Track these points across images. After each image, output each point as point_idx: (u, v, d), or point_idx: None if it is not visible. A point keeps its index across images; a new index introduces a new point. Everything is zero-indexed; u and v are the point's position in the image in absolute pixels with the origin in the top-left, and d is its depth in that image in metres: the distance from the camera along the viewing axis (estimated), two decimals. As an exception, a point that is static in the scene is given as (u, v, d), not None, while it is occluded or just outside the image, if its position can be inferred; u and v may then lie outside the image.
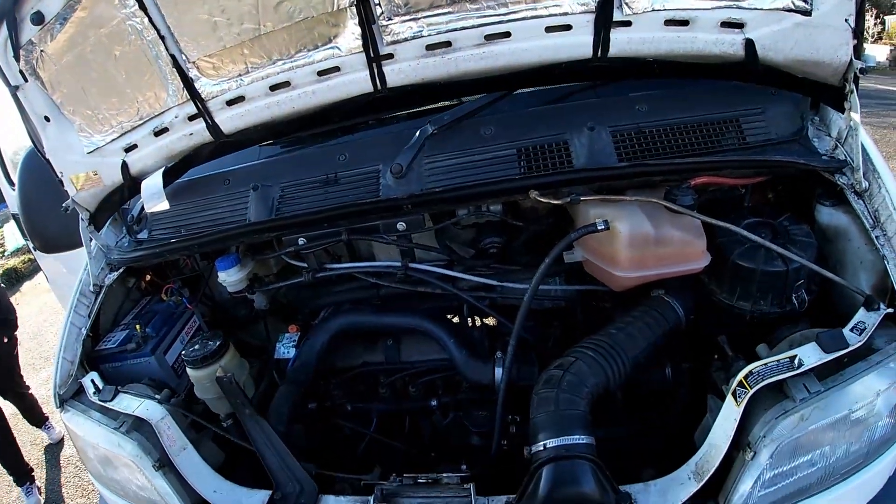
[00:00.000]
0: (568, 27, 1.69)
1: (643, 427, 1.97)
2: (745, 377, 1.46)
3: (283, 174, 2.11)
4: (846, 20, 1.62)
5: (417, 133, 1.93)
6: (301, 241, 2.01)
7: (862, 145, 1.75)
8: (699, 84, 1.98)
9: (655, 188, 1.81)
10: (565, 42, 1.70)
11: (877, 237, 1.65)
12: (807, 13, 1.62)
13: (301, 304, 2.40)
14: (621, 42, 1.69)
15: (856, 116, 1.72)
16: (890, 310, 1.56)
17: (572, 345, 1.80)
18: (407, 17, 1.71)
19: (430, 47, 1.75)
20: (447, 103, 2.11)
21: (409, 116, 2.30)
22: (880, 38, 27.84)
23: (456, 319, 2.34)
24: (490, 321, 2.36)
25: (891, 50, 25.23)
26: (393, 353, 2.19)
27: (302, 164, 2.12)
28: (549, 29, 1.70)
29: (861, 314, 1.55)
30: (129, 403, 1.84)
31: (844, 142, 1.81)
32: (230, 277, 2.12)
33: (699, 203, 1.82)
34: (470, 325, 2.27)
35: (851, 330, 1.51)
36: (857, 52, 1.66)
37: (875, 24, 28.94)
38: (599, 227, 1.68)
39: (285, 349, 2.23)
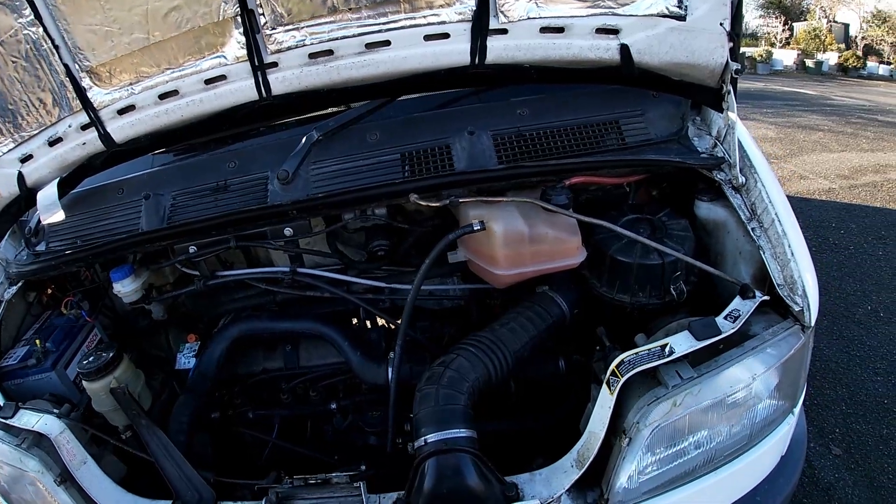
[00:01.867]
0: (446, 35, 1.65)
1: (535, 419, 1.92)
2: (618, 366, 1.42)
3: (174, 182, 2.01)
4: (721, 24, 1.60)
5: (304, 139, 1.87)
6: (192, 249, 1.92)
7: (739, 142, 1.74)
8: (582, 88, 1.95)
9: (534, 189, 1.78)
10: (443, 50, 1.66)
11: (753, 229, 1.65)
12: (681, 18, 1.60)
13: (201, 313, 2.29)
14: (498, 49, 1.65)
15: (733, 116, 1.71)
16: (766, 297, 1.55)
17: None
18: (290, 27, 1.64)
19: (312, 56, 1.69)
20: (335, 109, 2.05)
21: (298, 123, 2.23)
22: (788, 44, 28.82)
23: (356, 321, 2.26)
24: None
25: (798, 54, 26.11)
26: (292, 359, 2.10)
27: (193, 172, 2.03)
28: (427, 37, 1.65)
29: (736, 302, 1.52)
30: (29, 419, 1.70)
31: (723, 140, 1.80)
32: (124, 288, 1.99)
33: (581, 202, 1.80)
34: (369, 326, 2.19)
35: (726, 318, 1.48)
36: (734, 54, 1.64)
37: (784, 30, 29.98)
38: (475, 228, 1.65)
39: (186, 359, 2.12)
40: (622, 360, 1.42)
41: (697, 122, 1.94)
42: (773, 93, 16.53)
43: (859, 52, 27.29)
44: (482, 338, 1.65)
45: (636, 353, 1.42)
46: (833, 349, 3.98)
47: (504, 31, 1.62)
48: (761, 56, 24.54)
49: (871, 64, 26.76)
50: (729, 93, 1.69)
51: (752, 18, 34.35)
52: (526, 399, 1.98)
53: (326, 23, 1.66)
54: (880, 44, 29.11)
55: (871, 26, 29.63)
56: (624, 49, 1.64)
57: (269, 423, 2.11)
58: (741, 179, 1.70)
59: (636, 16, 1.62)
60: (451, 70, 1.68)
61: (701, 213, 1.83)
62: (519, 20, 1.60)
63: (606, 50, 1.65)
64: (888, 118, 12.84)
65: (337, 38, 1.67)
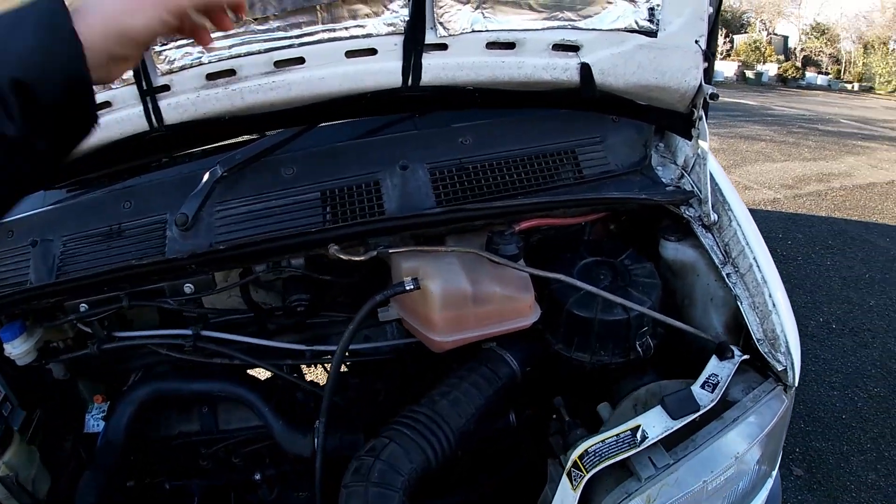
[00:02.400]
0: (372, 51, 1.35)
1: (483, 495, 1.65)
2: (581, 457, 1.15)
3: (66, 224, 1.67)
4: (696, 41, 1.36)
5: (206, 176, 1.53)
6: (83, 307, 1.58)
7: (711, 175, 1.50)
8: (533, 111, 1.68)
9: (480, 233, 1.49)
10: (369, 69, 1.36)
11: (728, 274, 1.41)
12: (652, 34, 1.36)
13: (109, 369, 1.93)
14: (435, 68, 1.36)
15: (704, 144, 1.47)
16: (745, 356, 1.32)
17: (405, 397, 1.51)
18: (183, 42, 1.32)
19: (210, 76, 1.36)
20: (248, 138, 1.73)
21: (205, 153, 1.88)
22: (728, 55, 29.47)
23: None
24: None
25: (738, 66, 26.73)
26: (209, 422, 1.77)
27: (85, 213, 1.68)
28: (350, 53, 1.35)
29: (713, 365, 1.28)
30: None
31: (691, 171, 1.57)
32: (15, 350, 1.63)
33: (532, 243, 1.54)
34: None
35: (703, 386, 1.24)
36: (707, 76, 1.40)
37: (725, 42, 30.66)
38: (408, 287, 1.33)
39: (94, 421, 1.77)
40: (586, 450, 1.16)
41: (661, 150, 1.71)
42: (715, 104, 16.56)
43: (798, 64, 28.21)
44: (419, 415, 1.35)
45: (602, 441, 1.16)
46: (788, 366, 3.85)
47: (443, 47, 1.34)
48: (703, 68, 24.92)
49: (810, 74, 27.67)
50: (700, 119, 1.46)
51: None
52: (475, 460, 1.70)
53: (227, 36, 1.33)
54: (819, 55, 30.13)
55: (809, 38, 30.69)
56: (584, 69, 1.39)
57: (188, 493, 1.80)
58: (713, 217, 1.47)
59: (600, 30, 1.37)
60: (378, 93, 1.38)
61: (667, 255, 1.59)
62: (461, 34, 1.32)
63: (564, 70, 1.38)
64: (828, 127, 13.14)
65: (241, 55, 1.35)
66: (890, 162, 9.84)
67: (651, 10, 1.34)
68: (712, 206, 1.48)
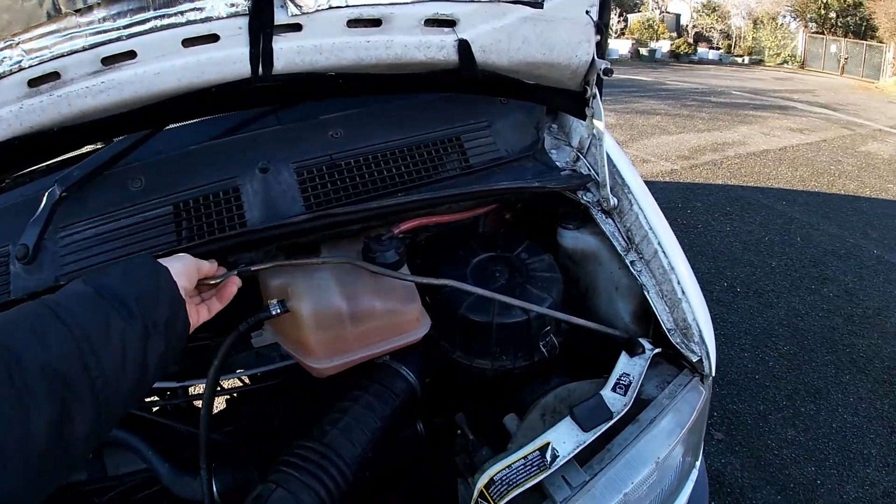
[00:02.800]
0: (214, 38, 1.10)
1: None
2: (488, 486, 1.01)
3: None
4: (587, 12, 1.22)
5: (45, 198, 1.28)
6: None
7: (608, 156, 1.38)
8: (412, 97, 1.52)
9: (358, 238, 1.30)
10: (211, 58, 1.11)
11: (632, 262, 1.29)
12: (537, 5, 1.19)
13: None
14: (289, 53, 1.13)
15: (599, 124, 1.34)
16: (657, 350, 1.21)
17: (303, 420, 1.32)
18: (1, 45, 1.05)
19: (33, 83, 1.09)
20: (93, 148, 1.48)
21: (50, 170, 1.59)
22: (623, 34, 30.28)
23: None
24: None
25: (632, 44, 27.48)
26: (96, 468, 1.51)
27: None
28: (187, 42, 1.10)
29: (623, 363, 1.17)
30: None
31: (587, 153, 1.45)
32: None
33: (419, 242, 1.38)
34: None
35: (614, 388, 1.12)
36: (601, 50, 1.26)
37: (619, 21, 31.48)
38: (273, 312, 1.13)
39: None
40: (492, 477, 1.01)
41: (554, 131, 1.58)
42: (611, 80, 16.91)
43: (690, 40, 29.26)
44: (308, 451, 1.15)
45: (509, 467, 1.02)
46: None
47: (297, 28, 1.11)
48: (598, 47, 25.45)
49: (702, 50, 28.80)
50: (595, 97, 1.32)
51: (590, 10, 35.89)
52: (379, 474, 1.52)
53: (48, 33, 1.06)
54: (710, 31, 31.42)
55: (700, 15, 31.90)
56: (463, 46, 1.20)
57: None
58: (613, 201, 1.35)
59: (479, 2, 1.19)
60: (225, 86, 1.13)
61: (566, 244, 1.46)
62: (317, 10, 1.10)
63: (440, 48, 1.19)
64: (721, 99, 13.66)
65: (63, 55, 1.08)
66: (781, 129, 10.32)
67: None
68: (611, 190, 1.36)
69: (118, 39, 1.09)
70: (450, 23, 1.20)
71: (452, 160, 1.42)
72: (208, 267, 1.06)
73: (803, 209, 6.25)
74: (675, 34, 30.39)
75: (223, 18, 1.09)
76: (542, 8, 1.19)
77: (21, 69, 1.08)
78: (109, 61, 1.10)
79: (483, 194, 1.31)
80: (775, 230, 5.62)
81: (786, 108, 12.94)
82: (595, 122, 1.35)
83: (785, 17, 30.27)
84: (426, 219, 1.33)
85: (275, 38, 1.11)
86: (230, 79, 1.13)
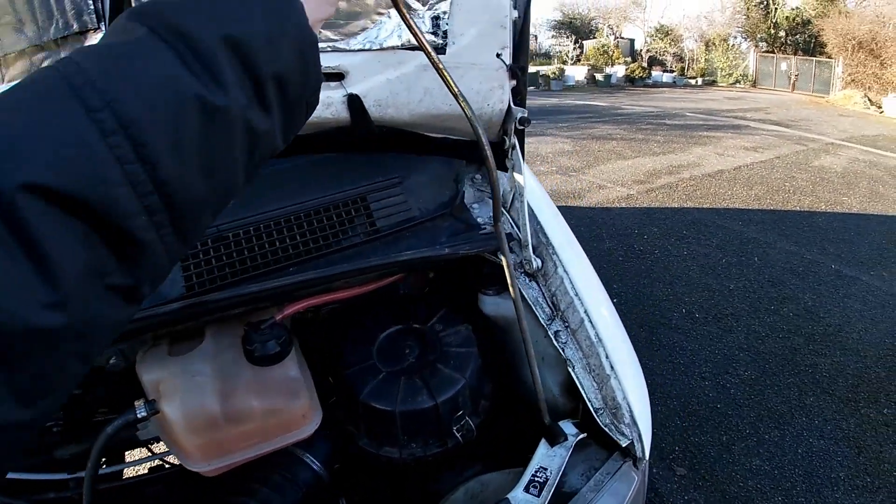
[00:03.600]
0: None
1: None
2: None
3: None
4: (498, 55, 1.08)
5: None
6: None
7: (533, 213, 1.24)
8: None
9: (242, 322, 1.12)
10: None
11: (556, 333, 1.15)
12: (438, 50, 1.06)
13: None
14: None
15: (520, 178, 1.19)
16: (582, 435, 1.06)
17: None
18: None
19: None
20: None
21: None
22: (579, 60, 30.76)
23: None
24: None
25: (588, 70, 27.86)
26: None
27: None
28: None
29: (540, 455, 1.02)
30: None
31: (511, 207, 1.31)
32: None
33: (322, 314, 1.22)
34: None
35: (527, 488, 0.97)
36: (519, 95, 1.13)
37: (575, 48, 32.02)
38: (139, 415, 0.97)
39: None
40: None
41: (478, 182, 1.44)
42: (567, 107, 17.27)
43: (644, 64, 29.77)
44: None
45: None
46: (655, 360, 3.81)
47: None
48: (554, 73, 25.84)
49: (656, 73, 29.30)
50: (514, 148, 1.19)
51: (545, 39, 36.57)
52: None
53: None
54: (664, 55, 32.03)
55: (654, 40, 32.50)
56: (354, 101, 1.07)
57: None
58: (535, 263, 1.21)
59: (370, 51, 1.06)
60: None
61: (488, 311, 1.32)
62: None
63: (327, 106, 1.06)
64: (675, 121, 13.81)
65: None
66: (735, 149, 10.40)
67: (435, 19, 1.05)
68: (534, 250, 1.22)
69: None
70: (336, 76, 1.07)
71: (358, 224, 1.26)
72: None
73: (759, 228, 6.22)
74: (629, 59, 30.91)
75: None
76: (444, 53, 1.06)
77: None
78: None
79: (381, 268, 1.14)
80: (732, 251, 5.57)
81: (739, 128, 13.11)
82: (516, 175, 1.21)
83: (736, 38, 31.00)
84: (318, 298, 1.16)
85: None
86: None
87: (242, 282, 1.10)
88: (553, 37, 36.64)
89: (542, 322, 1.16)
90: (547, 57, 34.68)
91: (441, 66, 0.72)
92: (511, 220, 1.30)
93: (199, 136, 0.45)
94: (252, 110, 0.48)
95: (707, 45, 31.00)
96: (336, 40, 1.06)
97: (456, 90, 0.76)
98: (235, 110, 0.47)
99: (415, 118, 1.12)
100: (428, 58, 0.70)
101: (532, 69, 28.60)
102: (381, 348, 1.23)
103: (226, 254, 1.16)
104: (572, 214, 6.46)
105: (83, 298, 0.40)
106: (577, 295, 1.14)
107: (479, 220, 1.33)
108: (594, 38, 33.46)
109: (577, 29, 34.59)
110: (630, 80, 27.89)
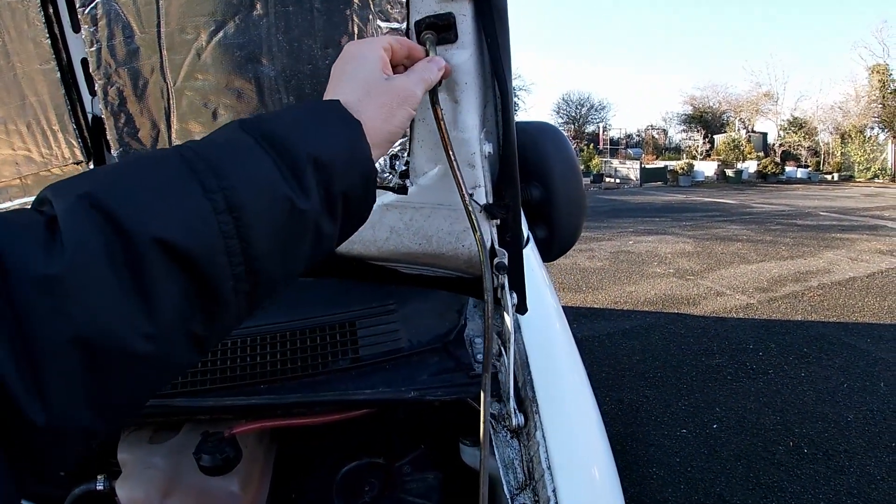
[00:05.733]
0: None
1: None
2: None
3: None
4: (469, 195, 1.00)
5: None
6: None
7: (527, 360, 1.11)
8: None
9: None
10: None
11: (524, 505, 0.98)
12: (400, 190, 0.99)
13: None
14: None
15: (510, 322, 1.07)
16: None
17: None
18: None
19: None
20: None
21: None
22: (709, 155, 29.81)
23: None
24: None
25: (718, 165, 26.92)
26: None
27: None
28: None
29: None
30: None
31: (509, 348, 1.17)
32: None
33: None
34: None
35: None
36: (509, 231, 1.01)
37: (704, 142, 31.15)
38: (97, 487, 1.09)
39: None
40: None
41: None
42: (693, 204, 16.62)
43: (777, 159, 28.40)
44: None
45: None
46: (749, 503, 3.31)
47: None
48: (682, 168, 25.11)
49: (790, 169, 27.83)
50: (503, 287, 1.07)
51: (675, 133, 36.03)
52: None
53: None
54: (797, 149, 30.46)
55: (787, 133, 31.06)
56: None
57: None
58: (516, 420, 1.05)
59: None
60: None
61: (467, 461, 1.18)
62: None
63: None
64: (807, 221, 12.86)
65: None
66: (870, 253, 9.43)
67: (393, 158, 0.99)
68: (520, 405, 1.07)
69: None
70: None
71: (339, 351, 1.19)
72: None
73: (890, 347, 5.46)
74: (761, 153, 29.62)
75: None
76: (405, 193, 0.98)
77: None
78: None
79: (336, 404, 1.07)
80: (856, 375, 4.90)
81: (875, 228, 11.94)
82: (506, 316, 1.08)
83: (873, 128, 28.90)
84: (273, 421, 1.12)
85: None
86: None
87: (210, 392, 1.11)
88: (683, 131, 36.11)
89: (509, 490, 0.99)
90: (676, 151, 34.10)
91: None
92: (505, 363, 1.16)
93: (283, 228, 0.55)
94: (323, 216, 0.58)
95: (842, 137, 29.11)
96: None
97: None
98: (312, 214, 0.57)
99: (384, 254, 1.07)
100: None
101: (660, 164, 28.11)
102: (342, 482, 1.17)
103: (201, 364, 1.17)
104: (683, 324, 6.04)
105: (170, 337, 0.48)
106: (549, 468, 0.97)
107: (478, 356, 1.20)
108: (725, 132, 32.50)
109: (707, 123, 33.82)
110: (762, 176, 26.61)
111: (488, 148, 0.95)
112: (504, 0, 0.81)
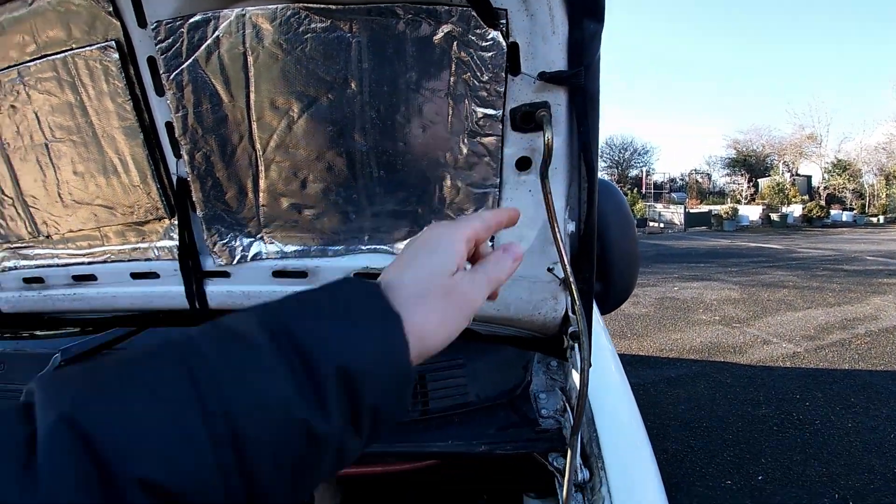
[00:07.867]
0: (155, 275, 1.11)
1: None
2: None
3: None
4: (550, 270, 1.04)
5: (51, 362, 1.42)
6: None
7: (593, 417, 1.14)
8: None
9: None
10: (155, 291, 1.14)
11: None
12: None
13: None
14: (221, 295, 1.10)
15: (577, 377, 1.10)
16: None
17: None
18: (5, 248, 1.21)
19: (27, 280, 1.25)
20: None
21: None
22: (753, 199, 29.11)
23: None
24: None
25: (763, 209, 26.25)
26: None
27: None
28: (135, 275, 1.12)
29: None
30: None
31: (575, 406, 1.20)
32: None
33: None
34: None
35: None
36: (581, 300, 1.05)
37: (749, 186, 30.42)
38: None
39: None
40: None
41: (553, 369, 1.35)
42: (738, 250, 16.22)
43: (822, 202, 27.56)
44: None
45: None
46: (792, 560, 3.19)
47: (226, 275, 1.08)
48: (727, 213, 24.56)
49: (835, 212, 26.96)
50: (572, 348, 1.10)
51: (719, 177, 35.32)
52: None
53: (32, 247, 1.19)
54: (842, 192, 29.50)
55: (832, 175, 30.15)
56: None
57: None
58: (581, 475, 1.08)
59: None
60: (172, 312, 1.16)
61: (530, 513, 1.19)
62: (240, 262, 1.05)
63: None
64: (853, 266, 12.42)
65: (44, 266, 1.20)
66: (917, 298, 9.05)
67: None
68: (585, 461, 1.10)
69: (82, 263, 1.17)
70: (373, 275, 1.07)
71: (414, 402, 1.23)
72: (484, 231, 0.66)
73: (940, 397, 5.23)
74: (806, 197, 28.79)
75: (162, 260, 1.10)
76: None
77: (15, 269, 1.23)
78: (78, 279, 1.21)
79: (407, 455, 1.10)
80: (905, 425, 4.70)
81: (923, 272, 11.46)
82: (574, 373, 1.11)
83: (918, 169, 27.86)
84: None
85: (207, 281, 1.07)
86: (173, 308, 1.15)
87: None
88: (727, 174, 35.42)
89: (576, 547, 1.02)
90: (721, 195, 33.42)
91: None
92: (572, 420, 1.19)
93: (297, 455, 0.46)
94: (347, 434, 0.49)
95: (887, 178, 28.04)
96: (387, 245, 1.07)
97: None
98: (333, 437, 0.48)
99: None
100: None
101: (704, 208, 27.59)
102: None
103: None
104: (729, 373, 5.88)
105: None
106: (612, 526, 0.99)
107: (543, 411, 1.24)
108: (769, 175, 31.76)
109: (751, 166, 33.13)
110: (807, 220, 25.84)
111: (571, 227, 1.00)
112: (597, 88, 0.83)
